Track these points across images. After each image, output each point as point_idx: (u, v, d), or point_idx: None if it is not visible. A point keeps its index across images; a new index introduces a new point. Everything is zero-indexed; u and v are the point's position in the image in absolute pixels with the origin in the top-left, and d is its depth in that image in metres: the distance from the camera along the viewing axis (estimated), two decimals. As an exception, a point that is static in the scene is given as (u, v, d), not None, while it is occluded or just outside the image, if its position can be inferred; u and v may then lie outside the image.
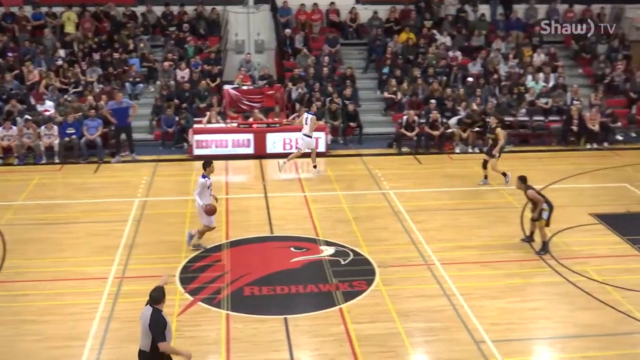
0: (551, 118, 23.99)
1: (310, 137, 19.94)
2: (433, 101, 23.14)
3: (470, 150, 22.33)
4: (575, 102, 23.98)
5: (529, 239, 15.24)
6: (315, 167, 20.14)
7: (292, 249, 14.93)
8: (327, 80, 24.59)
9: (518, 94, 24.56)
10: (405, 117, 22.43)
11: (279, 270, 13.98)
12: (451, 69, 25.43)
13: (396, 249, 14.92)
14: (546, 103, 24.14)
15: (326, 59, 25.28)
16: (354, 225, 16.20)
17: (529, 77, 25.23)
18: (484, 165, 18.97)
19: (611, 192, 18.65)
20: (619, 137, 23.61)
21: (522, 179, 14.93)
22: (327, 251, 14.79)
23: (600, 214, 16.98)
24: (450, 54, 26.27)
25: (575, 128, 22.96)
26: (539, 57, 26.47)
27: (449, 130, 22.60)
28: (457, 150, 22.34)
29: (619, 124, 23.86)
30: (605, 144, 22.93)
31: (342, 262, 14.27)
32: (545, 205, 14.58)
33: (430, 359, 11.10)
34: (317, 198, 18.04)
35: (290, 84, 24.33)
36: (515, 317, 12.27)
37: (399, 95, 24.22)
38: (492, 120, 19.21)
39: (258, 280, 13.48)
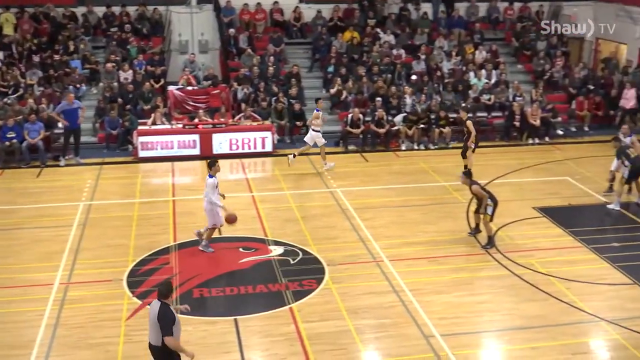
0: (494, 114, 24.38)
1: (317, 131, 20.28)
2: (378, 99, 23.31)
3: (416, 147, 22.55)
4: (518, 98, 24.42)
5: (475, 231, 15.49)
6: (325, 163, 20.29)
7: (240, 249, 14.88)
8: (273, 80, 24.56)
9: (462, 91, 24.94)
10: (350, 116, 22.53)
11: (228, 271, 13.94)
12: (395, 66, 25.65)
13: (345, 246, 15.00)
14: (489, 99, 24.55)
15: (271, 58, 25.24)
16: (302, 225, 16.23)
17: (472, 74, 25.61)
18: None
19: (553, 186, 19.06)
20: (560, 132, 24.13)
21: (467, 174, 15.17)
22: (276, 251, 14.79)
23: (543, 207, 17.35)
24: (394, 52, 26.49)
25: (517, 124, 23.39)
26: (481, 55, 26.90)
27: (395, 128, 22.80)
28: (403, 147, 22.54)
29: (559, 118, 24.39)
30: (547, 139, 23.40)
31: (292, 262, 14.29)
32: (489, 201, 14.83)
33: (381, 355, 11.19)
34: (265, 198, 18.01)
35: (235, 84, 24.22)
36: (463, 310, 12.47)
37: (344, 94, 24.31)
38: (462, 115, 20.02)
39: (207, 282, 13.41)
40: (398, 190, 18.65)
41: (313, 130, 20.35)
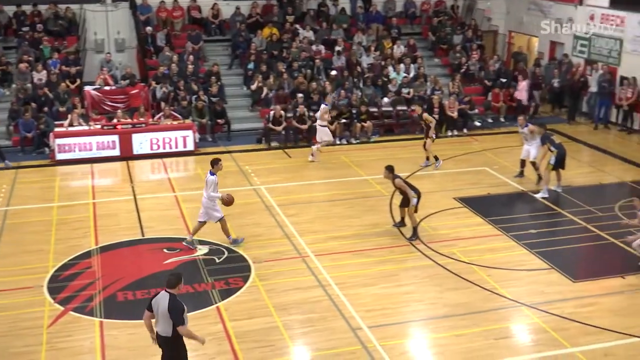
0: (413, 107, 24.71)
1: (324, 126, 20.88)
2: (299, 95, 23.35)
3: (338, 142, 22.69)
4: (437, 91, 24.86)
5: (400, 224, 15.72)
6: (312, 154, 20.88)
7: (165, 250, 14.69)
8: (192, 78, 24.29)
9: (381, 85, 25.24)
10: (272, 112, 22.50)
11: (152, 273, 13.73)
12: (315, 62, 25.74)
13: (270, 243, 14.99)
14: (408, 93, 24.91)
15: (190, 56, 24.96)
16: (227, 223, 16.11)
17: (391, 68, 25.93)
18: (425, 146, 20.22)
19: (472, 176, 19.50)
20: (477, 123, 24.69)
21: (390, 169, 15.36)
22: (201, 250, 14.66)
23: (464, 197, 17.74)
24: (314, 47, 26.59)
25: (436, 116, 23.77)
26: (399, 49, 27.27)
27: (317, 123, 22.86)
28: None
29: (476, 110, 24.98)
30: (465, 130, 23.91)
31: (217, 261, 14.20)
32: (413, 192, 15.08)
33: (309, 349, 11.25)
34: (188, 197, 17.81)
35: (154, 83, 23.86)
36: (389, 302, 12.64)
37: (265, 91, 24.26)
38: (416, 109, 20.73)
39: (131, 285, 13.19)
40: (322, 186, 18.76)
41: (320, 125, 20.89)
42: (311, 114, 22.94)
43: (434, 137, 20.02)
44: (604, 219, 16.35)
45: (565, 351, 11.09)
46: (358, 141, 22.91)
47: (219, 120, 23.01)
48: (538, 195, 17.79)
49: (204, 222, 14.73)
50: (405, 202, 15.31)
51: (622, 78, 24.31)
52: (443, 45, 28.60)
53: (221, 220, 14.67)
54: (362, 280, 13.46)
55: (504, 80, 26.24)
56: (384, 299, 12.76)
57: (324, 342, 11.34)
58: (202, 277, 13.48)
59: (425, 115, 20.23)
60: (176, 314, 9.05)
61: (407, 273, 13.91)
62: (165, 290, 9.23)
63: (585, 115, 25.83)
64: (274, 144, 22.46)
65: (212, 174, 14.47)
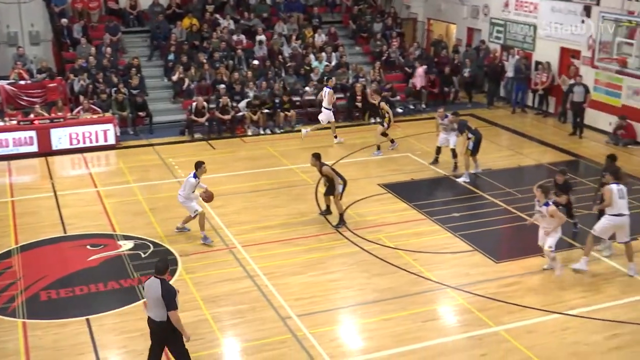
0: (336, 96, 24.82)
1: (329, 109, 21.43)
2: (222, 86, 23.17)
3: (262, 132, 22.63)
4: (361, 79, 25.04)
5: (326, 212, 15.82)
6: (336, 137, 21.49)
7: (88, 247, 14.40)
8: (111, 70, 23.78)
9: (304, 74, 25.26)
10: (194, 104, 22.24)
11: (76, 270, 13.45)
12: (236, 52, 25.57)
13: (197, 236, 14.83)
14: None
15: (108, 49, 24.44)
16: (151, 217, 15.92)
17: (312, 57, 25.99)
18: (384, 135, 20.60)
19: (396, 162, 19.77)
20: (399, 110, 24.97)
21: (316, 156, 15.43)
22: (126, 245, 14.43)
23: (388, 183, 17.97)
24: (235, 37, 26.40)
25: (359, 104, 24.02)
26: (320, 38, 27.35)
27: (240, 114, 22.76)
28: (250, 133, 22.56)
29: (398, 97, 25.27)
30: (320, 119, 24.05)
31: (143, 255, 14.01)
32: (339, 180, 15.19)
33: (239, 340, 11.23)
34: (111, 192, 17.49)
35: (71, 76, 23.26)
36: (318, 290, 12.73)
37: (187, 82, 23.98)
38: (374, 98, 21.58)
39: (55, 283, 12.88)
40: (247, 176, 18.69)
41: (325, 108, 21.45)
42: (234, 104, 22.81)
43: (387, 127, 20.35)
44: (524, 200, 16.83)
45: (490, 330, 11.40)
46: (282, 131, 22.90)
47: (140, 113, 22.62)
48: (460, 180, 18.18)
49: (197, 214, 14.56)
50: (330, 190, 15.41)
51: (537, 63, 25.00)
52: (364, 34, 28.82)
53: (197, 214, 14.58)
54: (290, 269, 13.50)
55: (426, 66, 26.63)
56: (313, 287, 12.84)
57: (253, 333, 11.35)
58: (128, 273, 13.27)
59: (383, 104, 20.58)
60: (169, 298, 9.21)
61: (335, 260, 14.02)
62: (155, 276, 9.34)
63: (503, 100, 26.48)
64: (197, 135, 22.23)
65: (195, 176, 14.41)
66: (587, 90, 21.96)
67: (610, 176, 13.49)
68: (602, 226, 13.37)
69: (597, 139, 21.94)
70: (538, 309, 12.06)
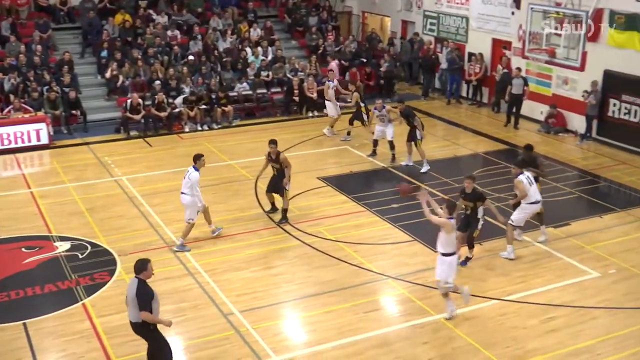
0: (273, 90, 24.86)
1: (329, 101, 21.95)
2: (157, 82, 22.88)
3: (199, 128, 22.45)
4: (300, 73, 25.04)
5: (273, 209, 15.78)
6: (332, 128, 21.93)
7: (23, 249, 14.06)
8: (42, 68, 23.22)
9: (240, 69, 25.14)
10: (129, 101, 21.90)
11: (11, 274, 13.13)
12: (171, 48, 25.27)
13: (135, 235, 14.68)
14: (267, 76, 24.95)
15: (39, 46, 23.85)
16: (88, 217, 15.65)
17: (249, 51, 25.87)
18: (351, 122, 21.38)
19: (334, 155, 19.87)
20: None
21: (275, 142, 15.28)
22: (63, 247, 14.16)
23: (327, 176, 18.05)
24: (169, 33, 26.09)
25: (296, 98, 24.03)
26: (256, 32, 27.25)
27: (176, 110, 22.52)
28: (187, 129, 22.34)
29: (335, 90, 25.38)
30: (325, 111, 24.20)
31: (80, 256, 13.76)
32: (291, 169, 15.28)
33: (182, 338, 11.14)
34: (46, 193, 17.11)
35: (1, 75, 22.62)
36: (260, 285, 12.72)
37: (121, 79, 23.59)
38: (350, 88, 22.20)
39: (-11, 288, 12.56)
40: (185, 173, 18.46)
41: (328, 100, 21.89)
42: (170, 100, 22.55)
43: (367, 121, 20.87)
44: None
45: (431, 318, 11.58)
46: (220, 126, 22.75)
47: (73, 111, 22.15)
48: (423, 170, 18.39)
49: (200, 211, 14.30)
50: (277, 187, 15.32)
51: (470, 54, 25.42)
52: (299, 27, 28.84)
53: (192, 222, 14.12)
54: (231, 265, 13.46)
55: (364, 60, 26.81)
56: (255, 282, 12.83)
57: (196, 330, 11.28)
58: (66, 275, 13.02)
59: (356, 95, 21.24)
60: (143, 300, 9.16)
61: (276, 255, 14.03)
62: (135, 277, 9.33)
63: (438, 91, 26.86)
64: (133, 133, 21.90)
65: (196, 169, 13.99)
66: (525, 83, 22.43)
67: (516, 167, 13.84)
68: (518, 216, 13.80)
69: (530, 127, 22.46)
70: (477, 296, 12.30)
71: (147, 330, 9.46)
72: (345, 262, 13.57)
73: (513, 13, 23.52)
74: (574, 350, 10.81)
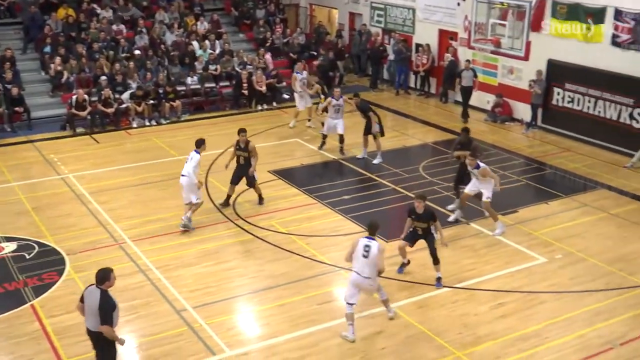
0: (222, 84, 24.70)
1: (299, 92, 21.80)
2: (103, 77, 22.53)
3: (147, 124, 22.18)
4: (248, 66, 24.92)
5: (226, 204, 15.75)
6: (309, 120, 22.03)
7: (-33, 251, 13.75)
8: (-18, 65, 22.70)
9: (188, 63, 24.91)
10: (75, 97, 21.53)
11: (-47, 277, 12.81)
12: (117, 43, 24.91)
13: (84, 233, 14.46)
14: (215, 70, 24.78)
15: (-22, 42, 23.31)
16: (35, 216, 15.36)
17: (196, 45, 25.65)
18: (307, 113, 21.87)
19: (285, 149, 19.85)
20: (286, 96, 25.02)
21: (245, 131, 15.56)
22: (9, 247, 13.86)
23: (278, 169, 18.03)
24: (114, 27, 25.69)
25: (245, 92, 23.91)
26: (203, 25, 27.02)
27: (123, 106, 22.21)
28: (135, 125, 22.05)
29: (284, 83, 25.30)
30: (274, 104, 24.20)
31: (27, 257, 13.49)
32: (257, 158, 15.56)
33: (135, 336, 11.02)
34: (-10, 193, 16.75)
35: (-61, 73, 22.05)
36: (213, 280, 12.66)
37: (66, 75, 23.16)
38: (310, 79, 22.40)
39: None
40: (134, 169, 18.29)
41: (296, 92, 21.82)
42: (117, 96, 22.23)
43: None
44: (410, 179, 17.31)
45: (383, 308, 11.59)
46: (168, 121, 22.52)
47: (17, 109, 21.66)
48: (375, 161, 18.48)
49: (198, 202, 14.72)
50: (243, 177, 15.49)
51: (417, 45, 25.62)
52: (246, 20, 28.70)
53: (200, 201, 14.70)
54: (183, 261, 13.36)
55: (314, 52, 26.81)
56: (207, 277, 12.76)
57: (149, 328, 11.17)
58: (13, 276, 12.76)
59: (317, 86, 21.93)
60: (105, 312, 8.82)
61: (228, 249, 13.96)
62: (96, 286, 8.92)
63: (386, 82, 27.03)
64: (79, 129, 21.52)
65: (198, 152, 14.53)
66: (475, 75, 22.68)
67: (472, 159, 14.21)
68: (490, 193, 14.24)
69: (477, 117, 22.75)
70: (429, 284, 12.44)
71: (104, 342, 9.10)
72: (298, 254, 13.59)
73: (459, 4, 23.77)
74: (524, 334, 11.03)
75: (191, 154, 14.54)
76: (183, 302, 11.89)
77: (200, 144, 14.69)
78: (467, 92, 22.73)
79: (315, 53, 26.79)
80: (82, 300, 9.15)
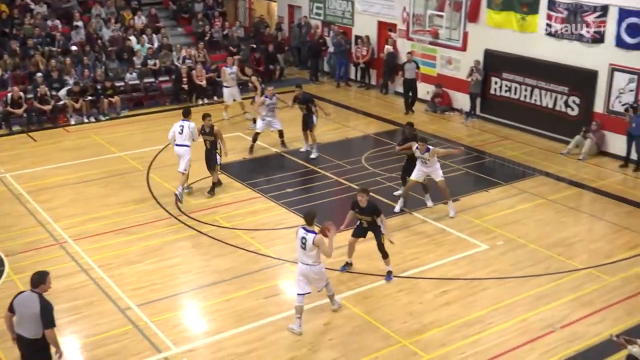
0: (161, 79, 24.41)
1: (228, 87, 21.73)
2: (39, 74, 22.04)
3: (86, 120, 21.79)
4: (187, 60, 24.68)
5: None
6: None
7: None
8: None
9: (126, 59, 24.53)
10: (10, 95, 21.02)
11: None
12: (53, 38, 24.37)
13: (23, 233, 14.16)
14: (154, 64, 24.47)
15: None
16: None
17: (134, 40, 25.28)
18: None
19: (227, 142, 19.65)
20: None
21: (210, 116, 15.83)
22: (-55, 250, 13.49)
23: (220, 164, 17.87)
24: (49, 23, 25.13)
25: (185, 86, 23.69)
26: (140, 20, 26.64)
27: (61, 103, 21.77)
28: (73, 122, 21.64)
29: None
30: (215, 98, 24.02)
31: (-36, 259, 13.16)
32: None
33: (78, 337, 10.86)
34: None
35: None
36: (157, 277, 12.55)
37: (0, 72, 22.57)
38: (246, 71, 22.57)
39: None
40: (73, 167, 17.96)
41: (225, 86, 21.74)
42: (53, 93, 21.78)
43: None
44: (353, 171, 17.42)
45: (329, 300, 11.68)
46: (107, 118, 22.16)
47: (-50, 108, 21.08)
48: (313, 155, 18.47)
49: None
50: (210, 160, 15.89)
51: (357, 37, 25.76)
52: (185, 14, 28.40)
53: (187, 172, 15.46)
54: (126, 259, 13.20)
55: (254, 45, 26.70)
56: (151, 274, 12.64)
57: (93, 328, 11.02)
58: (-51, 279, 12.44)
59: (254, 78, 21.82)
60: (47, 315, 8.54)
61: (172, 245, 13.85)
62: (32, 291, 8.61)
63: (327, 75, 27.11)
64: (15, 128, 21.03)
65: (188, 120, 15.67)
66: (417, 67, 22.88)
67: (422, 144, 14.68)
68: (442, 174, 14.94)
69: (417, 107, 23.00)
70: (373, 275, 12.56)
71: (43, 349, 8.79)
72: (243, 249, 13.57)
73: (397, -5, 23.99)
74: (467, 320, 11.24)
75: (182, 123, 15.57)
76: (127, 300, 11.75)
77: (188, 113, 15.80)
78: (411, 85, 22.90)
79: (254, 46, 26.66)
80: (11, 309, 8.77)
